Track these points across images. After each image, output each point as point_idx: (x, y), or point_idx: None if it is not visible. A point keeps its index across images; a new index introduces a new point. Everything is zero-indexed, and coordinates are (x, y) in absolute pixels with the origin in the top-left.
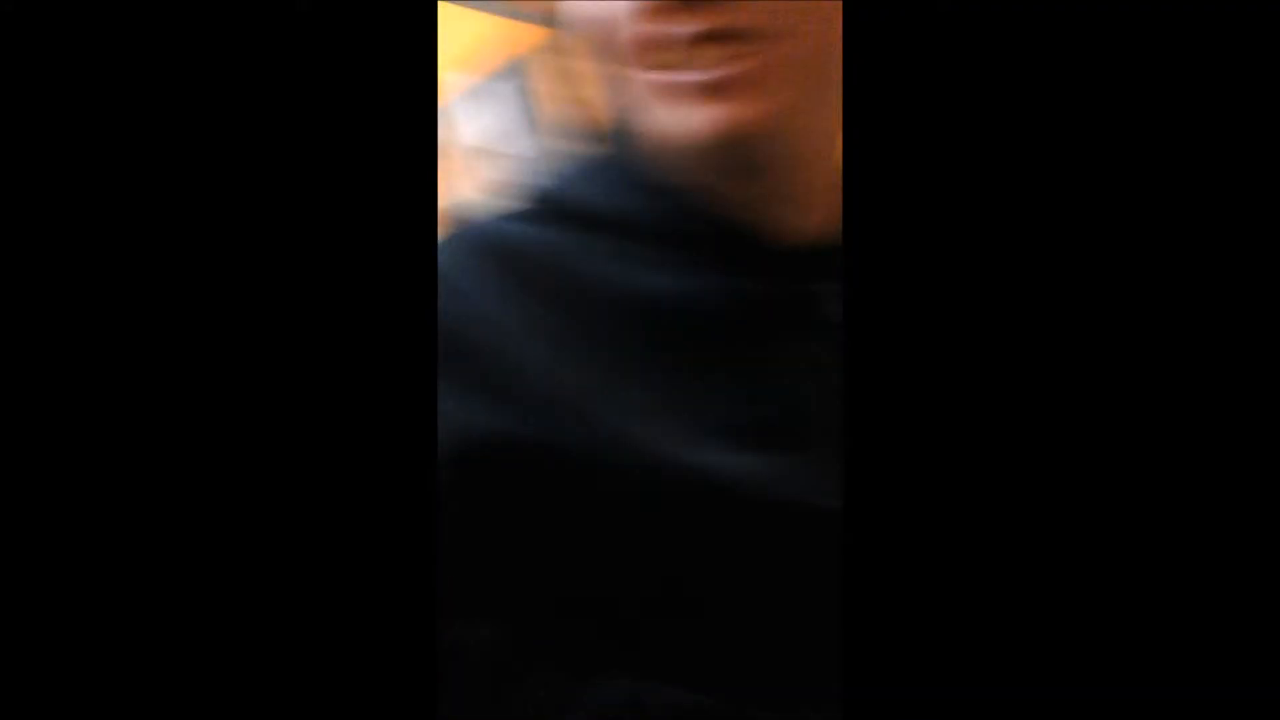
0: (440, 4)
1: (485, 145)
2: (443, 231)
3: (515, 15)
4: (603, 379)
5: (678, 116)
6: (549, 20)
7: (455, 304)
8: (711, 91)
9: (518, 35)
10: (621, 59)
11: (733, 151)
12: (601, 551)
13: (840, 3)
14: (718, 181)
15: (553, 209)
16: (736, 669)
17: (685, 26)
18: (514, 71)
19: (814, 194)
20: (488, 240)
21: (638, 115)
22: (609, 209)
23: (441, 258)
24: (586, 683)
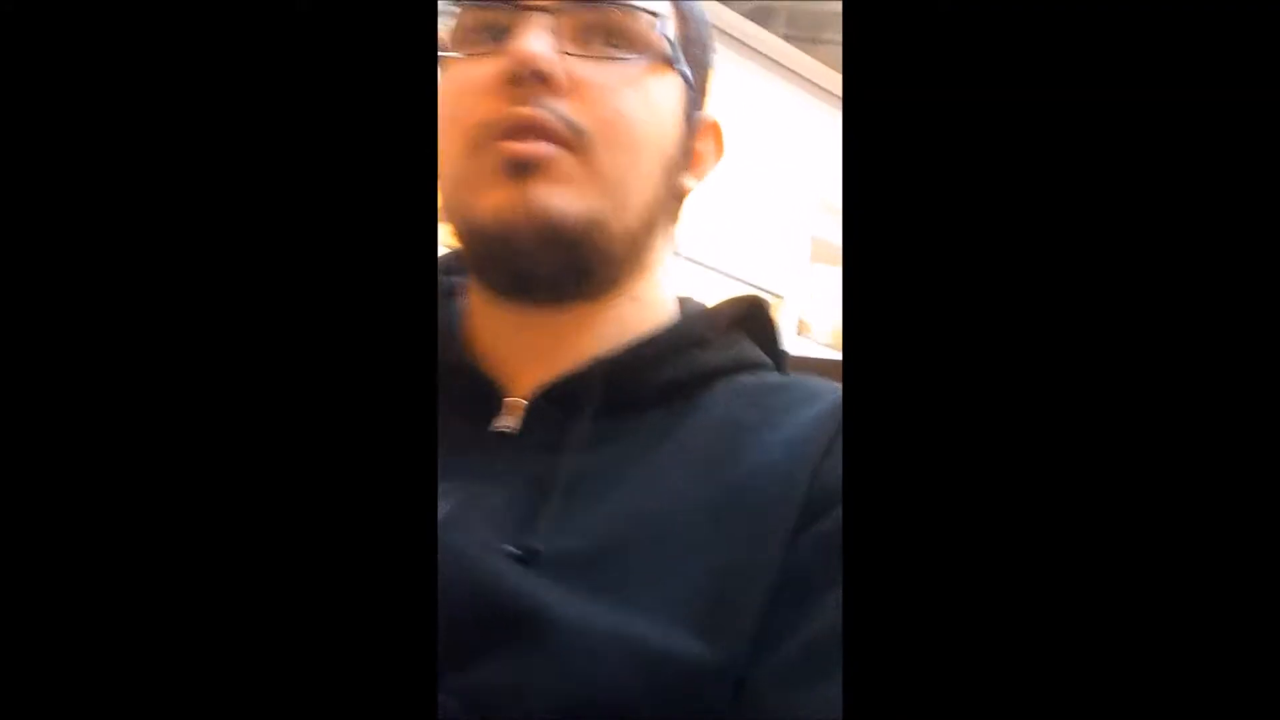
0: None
1: None
2: None
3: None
4: None
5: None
6: None
7: None
8: (515, 172)
9: None
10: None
11: (532, 233)
12: None
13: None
14: (524, 260)
15: None
16: None
17: (510, 110)
18: None
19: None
20: None
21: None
22: None
23: None
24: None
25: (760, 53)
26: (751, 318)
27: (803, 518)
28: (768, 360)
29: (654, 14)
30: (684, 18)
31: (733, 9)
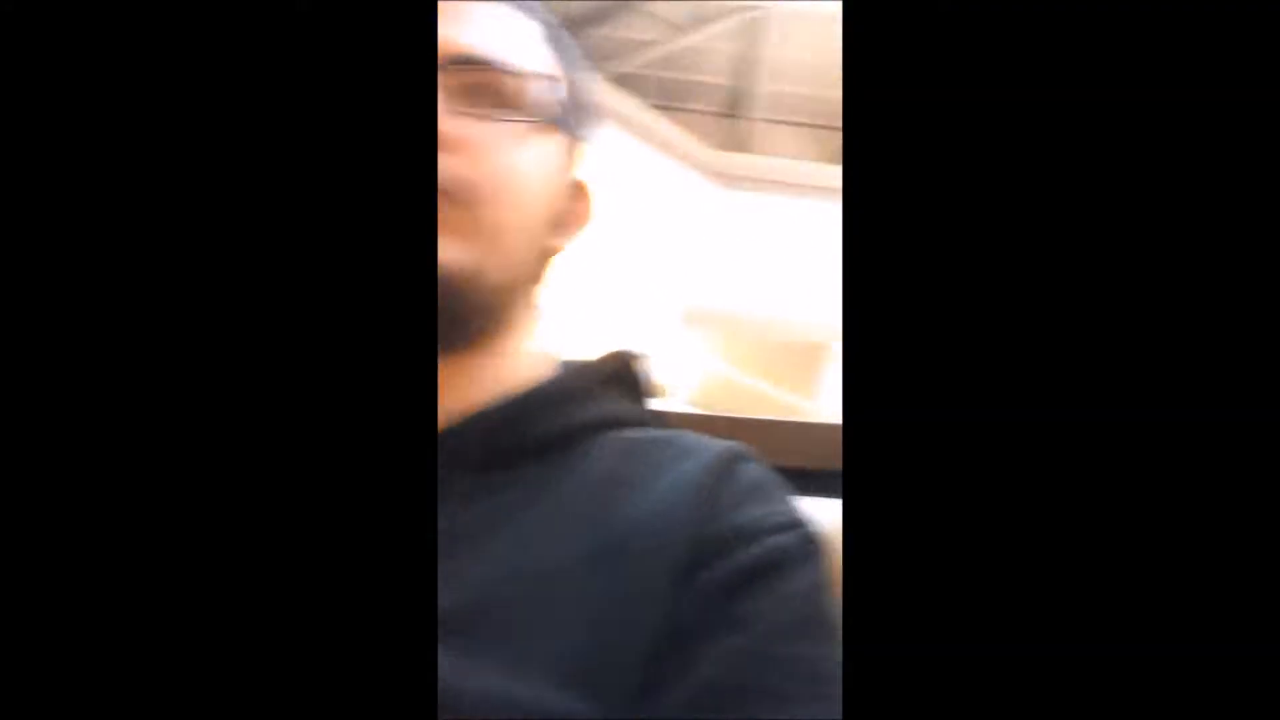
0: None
1: None
2: None
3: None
4: None
5: None
6: None
7: None
8: None
9: None
10: None
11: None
12: None
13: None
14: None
15: None
16: None
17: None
18: None
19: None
20: None
21: None
22: None
23: None
24: None
25: (629, 120)
26: (624, 373)
27: (682, 570)
28: (642, 415)
29: (542, 78)
30: (568, 83)
31: (603, 78)
